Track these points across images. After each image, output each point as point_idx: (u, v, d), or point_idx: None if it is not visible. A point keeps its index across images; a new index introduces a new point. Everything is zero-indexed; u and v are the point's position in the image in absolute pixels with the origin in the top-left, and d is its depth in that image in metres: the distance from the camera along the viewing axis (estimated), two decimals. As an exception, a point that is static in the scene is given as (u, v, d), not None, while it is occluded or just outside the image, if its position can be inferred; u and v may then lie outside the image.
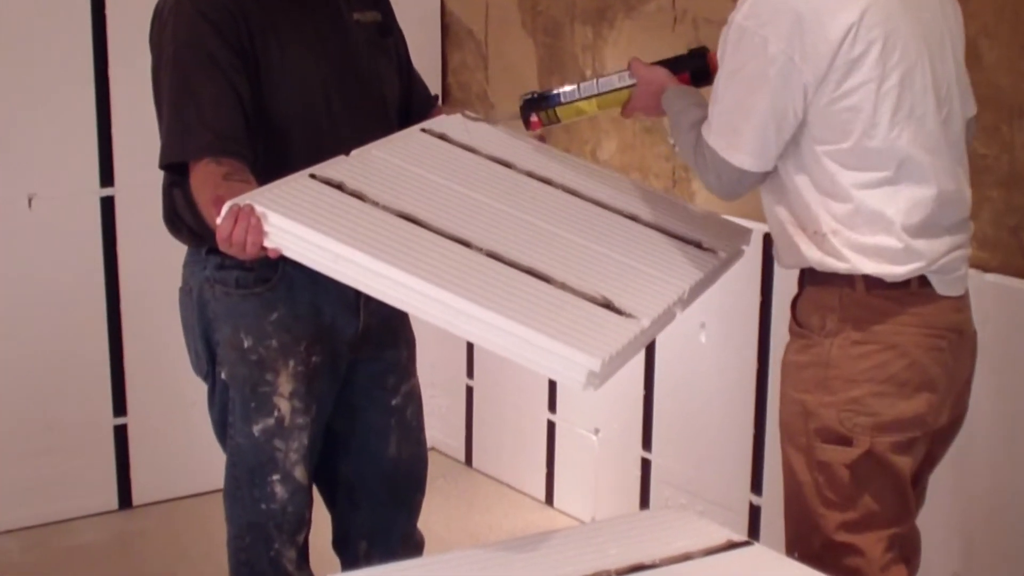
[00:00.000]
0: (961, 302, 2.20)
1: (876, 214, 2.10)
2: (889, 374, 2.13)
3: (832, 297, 2.15)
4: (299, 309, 2.40)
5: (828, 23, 2.04)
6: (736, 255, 2.42)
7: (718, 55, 2.17)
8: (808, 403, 2.17)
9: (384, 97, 2.52)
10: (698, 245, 2.33)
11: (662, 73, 2.38)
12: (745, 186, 2.19)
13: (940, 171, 2.13)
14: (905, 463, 2.18)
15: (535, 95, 2.49)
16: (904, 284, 2.13)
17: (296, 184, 2.09)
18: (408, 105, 2.61)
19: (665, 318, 2.09)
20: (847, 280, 2.13)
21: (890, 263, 2.11)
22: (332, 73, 2.41)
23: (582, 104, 2.45)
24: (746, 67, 2.10)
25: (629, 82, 2.41)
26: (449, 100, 4.10)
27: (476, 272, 1.97)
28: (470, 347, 3.98)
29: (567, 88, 2.46)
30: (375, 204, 2.09)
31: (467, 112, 2.56)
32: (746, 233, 2.48)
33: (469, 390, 4.08)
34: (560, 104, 2.46)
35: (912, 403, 2.14)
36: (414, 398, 2.63)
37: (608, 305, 2.00)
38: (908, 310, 2.13)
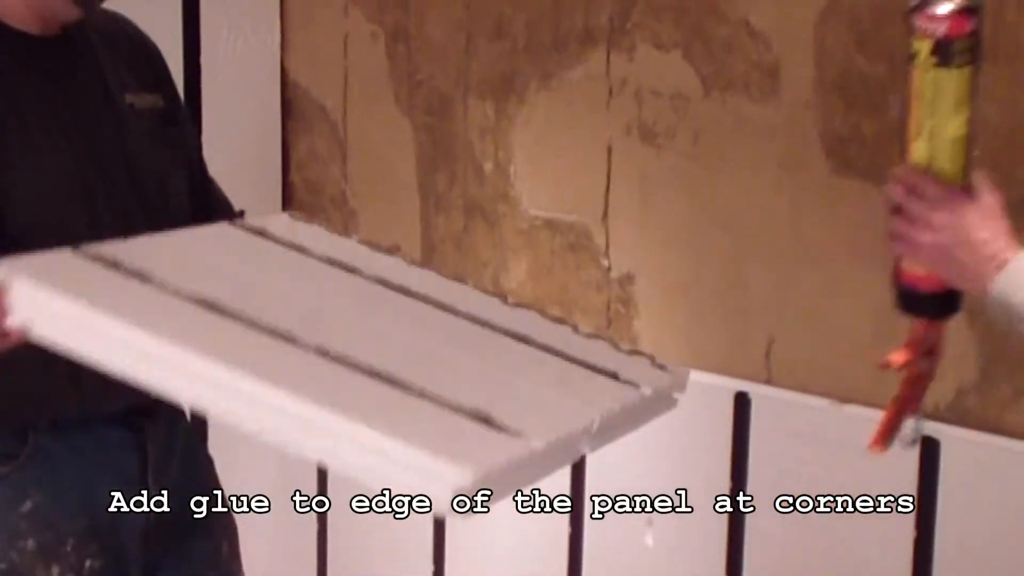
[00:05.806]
0: None
1: None
2: None
3: None
4: (63, 492, 2.42)
5: None
6: (665, 399, 2.44)
7: None
8: None
9: (170, 208, 2.59)
10: (613, 376, 2.36)
11: None
12: None
13: None
14: None
15: None
16: None
17: (54, 257, 2.16)
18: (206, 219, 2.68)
19: (567, 449, 2.09)
20: None
21: None
22: (98, 175, 2.46)
23: None
24: None
25: None
26: (292, 206, 4.10)
27: (301, 368, 2.01)
28: (322, 529, 3.91)
29: None
30: (162, 287, 2.12)
31: (294, 213, 2.66)
32: (681, 376, 2.50)
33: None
34: None
35: None
36: (242, 613, 2.73)
37: (487, 420, 2.00)
38: None
